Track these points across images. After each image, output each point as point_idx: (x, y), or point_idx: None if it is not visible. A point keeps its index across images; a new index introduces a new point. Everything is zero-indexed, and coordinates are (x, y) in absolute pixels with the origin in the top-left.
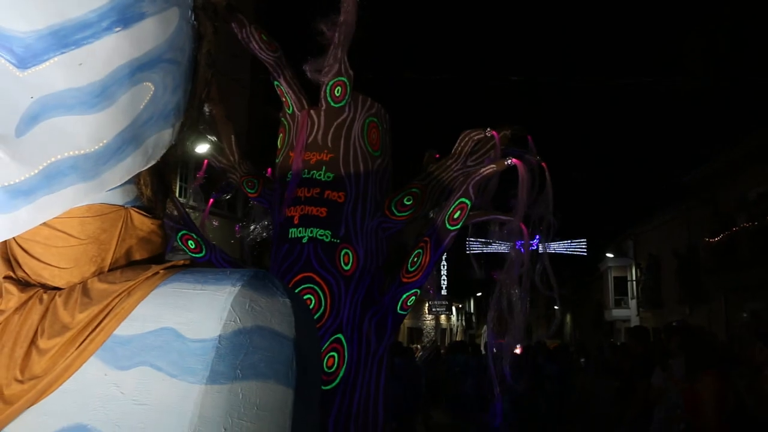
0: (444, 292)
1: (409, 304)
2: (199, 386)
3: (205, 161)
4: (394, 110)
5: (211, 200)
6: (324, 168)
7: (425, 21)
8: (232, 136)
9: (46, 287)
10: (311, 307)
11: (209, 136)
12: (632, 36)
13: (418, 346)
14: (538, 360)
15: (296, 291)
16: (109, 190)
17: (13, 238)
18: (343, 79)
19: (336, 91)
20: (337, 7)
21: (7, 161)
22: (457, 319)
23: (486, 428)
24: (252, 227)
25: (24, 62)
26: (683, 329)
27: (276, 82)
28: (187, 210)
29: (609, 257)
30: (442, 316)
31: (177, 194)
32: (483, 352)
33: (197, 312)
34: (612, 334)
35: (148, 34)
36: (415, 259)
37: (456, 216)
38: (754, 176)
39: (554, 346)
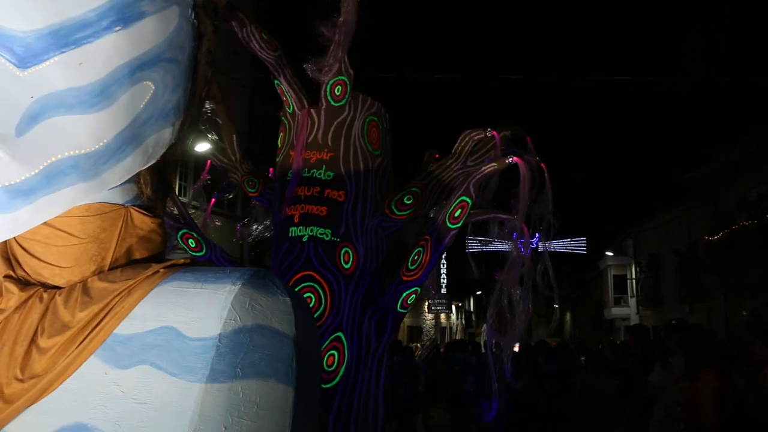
0: (444, 290)
1: (409, 302)
2: (200, 385)
3: (209, 161)
4: (394, 109)
5: (213, 200)
6: (324, 167)
7: (425, 21)
8: (234, 136)
9: (47, 286)
10: (311, 305)
11: (210, 136)
12: (632, 35)
13: (418, 344)
14: (538, 358)
15: (296, 289)
16: (109, 189)
17: (14, 237)
18: (343, 78)
19: (336, 90)
20: (337, 7)
21: (8, 161)
22: (457, 318)
23: (486, 428)
24: (254, 227)
25: (24, 62)
26: (683, 327)
27: (276, 81)
28: (189, 210)
29: (609, 255)
30: (442, 315)
31: (177, 193)
32: (483, 350)
33: (197, 311)
34: (612, 332)
35: (148, 33)
36: (416, 258)
37: (457, 214)
38: (754, 176)
39: (555, 344)
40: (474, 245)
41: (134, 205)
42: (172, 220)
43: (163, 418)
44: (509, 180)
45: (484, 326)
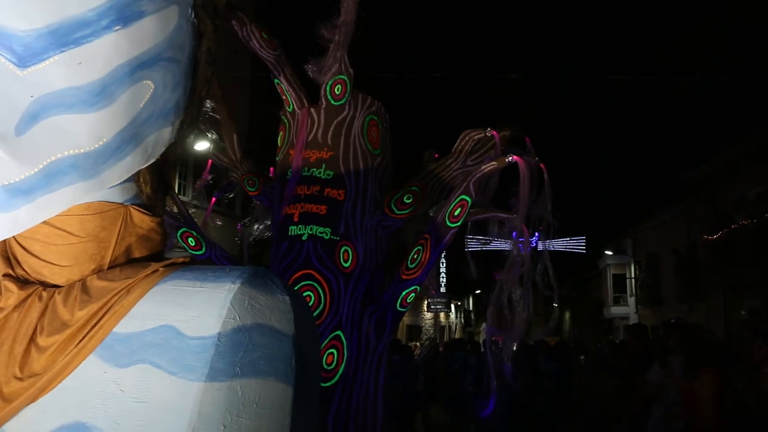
0: (443, 289)
1: (408, 301)
2: (199, 384)
3: (210, 161)
4: (394, 109)
5: (213, 199)
6: (324, 166)
7: (425, 20)
8: (234, 135)
9: (46, 285)
10: (311, 304)
11: (210, 135)
12: (632, 35)
13: (417, 343)
14: (537, 357)
15: (296, 288)
16: (109, 188)
17: (13, 236)
18: (343, 77)
19: (336, 89)
20: (337, 7)
21: (7, 160)
22: (456, 317)
23: (485, 427)
24: (254, 227)
25: (23, 61)
26: (682, 327)
27: (276, 80)
28: (190, 209)
29: (608, 255)
30: (441, 314)
31: (176, 192)
32: (483, 349)
33: (197, 309)
34: (611, 331)
35: (148, 33)
36: (415, 256)
37: (456, 213)
38: (753, 175)
39: (554, 343)
40: (473, 244)
41: (134, 204)
42: (172, 219)
43: (162, 416)
44: (509, 179)
45: (483, 325)
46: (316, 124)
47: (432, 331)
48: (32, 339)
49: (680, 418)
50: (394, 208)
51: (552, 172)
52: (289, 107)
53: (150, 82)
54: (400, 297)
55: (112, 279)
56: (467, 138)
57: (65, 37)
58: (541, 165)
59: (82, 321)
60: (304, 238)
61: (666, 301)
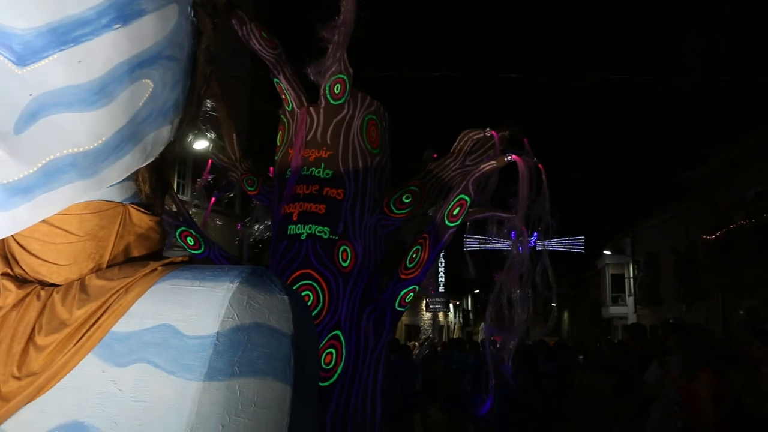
0: (441, 289)
1: (407, 300)
2: (197, 383)
3: (210, 161)
4: (393, 108)
5: (213, 199)
6: (323, 165)
7: (424, 19)
8: (234, 134)
9: (44, 284)
10: (309, 303)
11: (210, 134)
12: (631, 34)
13: (415, 343)
14: (536, 357)
15: (294, 287)
16: (108, 187)
17: (11, 235)
18: (342, 76)
19: (335, 89)
20: (337, 6)
21: (6, 159)
22: (455, 316)
23: (484, 426)
24: (255, 227)
25: (23, 59)
26: (680, 326)
27: (276, 80)
28: (191, 209)
29: (606, 254)
30: (440, 313)
31: (175, 191)
32: (482, 349)
33: (195, 309)
34: (609, 331)
35: (148, 31)
36: (414, 256)
37: (455, 212)
38: (753, 175)
39: (553, 343)
40: (472, 244)
41: (132, 203)
42: (171, 218)
43: (160, 416)
44: (508, 178)
45: (482, 325)
46: (315, 124)
47: (431, 330)
48: (30, 338)
49: (678, 418)
50: (393, 208)
51: (551, 171)
52: (288, 106)
53: (149, 81)
54: (399, 296)
55: (111, 278)
56: (466, 138)
57: (65, 35)
58: (540, 165)
59: (80, 320)
60: (303, 237)
61: (665, 301)
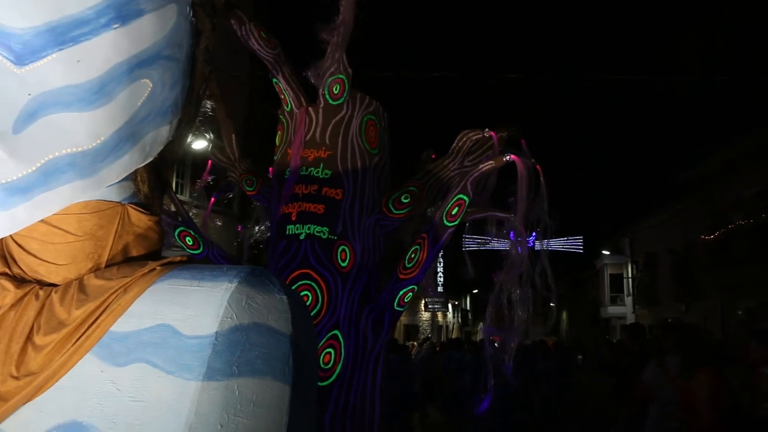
0: (440, 289)
1: (406, 300)
2: (196, 383)
3: (209, 161)
4: (392, 108)
5: (213, 199)
6: (322, 165)
7: (423, 20)
8: (233, 135)
9: (43, 284)
10: (308, 303)
11: (208, 135)
12: (630, 35)
13: (414, 343)
14: (535, 357)
15: (293, 287)
16: (107, 186)
17: (10, 234)
18: (341, 76)
19: (334, 89)
20: (335, 6)
21: (5, 158)
22: (453, 316)
23: (482, 426)
24: (255, 228)
25: (21, 59)
26: (678, 326)
27: (275, 80)
28: (192, 209)
29: (605, 254)
30: (439, 313)
31: (174, 191)
32: (482, 348)
33: (194, 308)
34: (608, 331)
35: (147, 31)
36: (413, 256)
37: (454, 212)
38: (750, 175)
39: (552, 343)
40: (471, 244)
41: (131, 203)
42: (170, 218)
43: (159, 416)
44: (507, 178)
45: (481, 324)
46: (314, 124)
47: (429, 330)
48: (29, 338)
49: (676, 418)
50: (392, 208)
51: (550, 171)
52: (287, 106)
53: (148, 81)
54: (398, 296)
55: (110, 278)
56: (465, 138)
57: (64, 35)
58: (537, 166)
59: (79, 320)
60: (302, 237)
61: (663, 301)
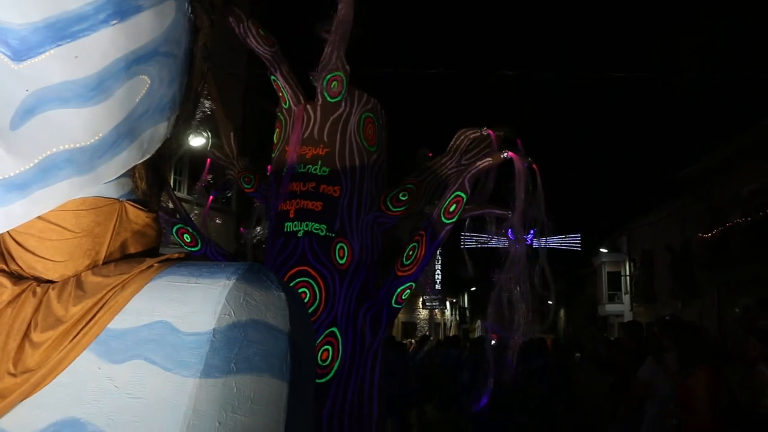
0: (438, 286)
1: (404, 297)
2: (194, 380)
3: (208, 160)
4: (390, 106)
5: (211, 197)
6: (320, 162)
7: (422, 17)
8: (231, 134)
9: (40, 280)
10: (306, 300)
11: (207, 133)
12: (628, 32)
13: (412, 340)
14: (532, 355)
15: (291, 285)
16: (104, 183)
17: (7, 231)
18: (339, 73)
19: (332, 86)
20: (334, 3)
21: (2, 155)
22: (451, 314)
23: (480, 424)
24: (258, 228)
25: (19, 55)
26: (676, 324)
27: (273, 77)
28: (193, 208)
29: (603, 252)
30: (437, 311)
31: (172, 188)
32: (485, 345)
33: (192, 305)
34: (605, 329)
35: (145, 27)
36: (411, 253)
37: (452, 209)
38: (749, 173)
39: (551, 341)
40: (469, 242)
41: (129, 200)
42: (168, 215)
43: (157, 412)
44: (506, 175)
45: (479, 322)
46: (312, 121)
47: (427, 328)
48: (26, 335)
49: (674, 415)
50: (390, 206)
51: (548, 169)
52: (285, 104)
53: (146, 77)
54: (396, 294)
55: (107, 275)
56: (463, 137)
57: (62, 31)
58: (534, 166)
59: (76, 317)
60: (300, 234)
61: (660, 299)
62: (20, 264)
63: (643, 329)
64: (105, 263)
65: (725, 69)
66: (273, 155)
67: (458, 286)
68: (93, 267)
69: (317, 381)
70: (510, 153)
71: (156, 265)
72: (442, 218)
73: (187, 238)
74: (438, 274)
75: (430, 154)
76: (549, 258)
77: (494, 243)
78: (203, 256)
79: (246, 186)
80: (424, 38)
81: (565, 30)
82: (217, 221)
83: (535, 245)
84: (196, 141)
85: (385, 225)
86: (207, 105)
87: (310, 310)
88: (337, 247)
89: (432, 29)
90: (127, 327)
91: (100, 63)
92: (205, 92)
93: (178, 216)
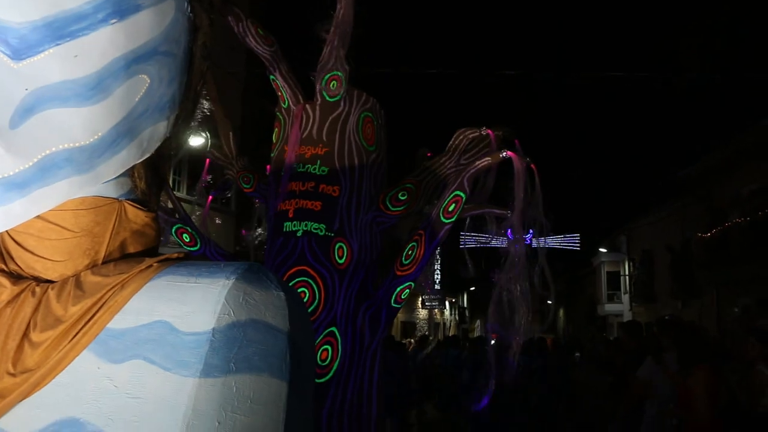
0: (437, 286)
1: (403, 297)
2: (193, 379)
3: (208, 160)
4: (389, 105)
5: (210, 197)
6: (319, 162)
7: (421, 16)
8: (230, 133)
9: (39, 280)
10: (305, 300)
11: (206, 133)
12: (628, 32)
13: (411, 340)
14: (532, 355)
15: (290, 284)
16: (104, 182)
17: (6, 230)
18: (338, 73)
19: (331, 86)
20: (333, 3)
21: (1, 154)
22: (451, 314)
23: (479, 424)
24: (259, 230)
25: (18, 53)
26: (676, 323)
27: (272, 77)
28: (194, 208)
29: (602, 252)
30: (436, 311)
31: (171, 187)
32: (486, 346)
33: (191, 305)
34: (605, 328)
35: (144, 26)
36: (410, 252)
37: (451, 209)
38: (749, 173)
39: (550, 341)
40: (469, 241)
41: (128, 199)
42: (167, 215)
43: (156, 412)
44: (505, 174)
45: (478, 322)
46: (311, 120)
47: (426, 327)
48: (25, 334)
49: (674, 415)
50: (389, 205)
51: (547, 169)
52: (284, 103)
53: (146, 76)
54: (395, 293)
55: (106, 274)
56: (462, 136)
57: (61, 29)
58: (533, 165)
59: (75, 316)
60: (299, 234)
61: (660, 298)
62: (19, 264)
63: (642, 329)
64: (104, 263)
65: (725, 69)
66: (272, 155)
67: (458, 285)
68: (92, 267)
69: (317, 380)
70: (509, 152)
71: (155, 264)
72: (442, 218)
73: (186, 237)
74: (437, 274)
75: (429, 154)
76: (548, 258)
77: (494, 243)
78: (202, 256)
79: (245, 186)
80: (424, 38)
81: (565, 30)
82: (217, 221)
83: (534, 245)
84: (196, 141)
85: (385, 224)
86: (206, 105)
87: (309, 310)
88: (336, 246)
89: (432, 29)
90: (126, 327)
91: (100, 62)
92: (205, 92)
93: (177, 216)
